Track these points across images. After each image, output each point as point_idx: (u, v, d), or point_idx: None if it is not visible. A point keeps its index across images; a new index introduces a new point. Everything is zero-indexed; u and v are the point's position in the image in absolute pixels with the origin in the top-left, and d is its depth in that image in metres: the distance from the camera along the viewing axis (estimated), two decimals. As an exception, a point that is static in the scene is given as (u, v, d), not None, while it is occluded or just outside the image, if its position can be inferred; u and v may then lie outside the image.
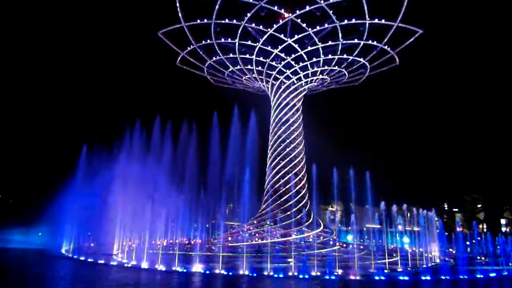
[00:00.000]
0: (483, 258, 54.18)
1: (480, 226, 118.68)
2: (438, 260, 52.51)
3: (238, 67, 58.05)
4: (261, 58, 55.01)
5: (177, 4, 48.88)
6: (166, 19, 53.01)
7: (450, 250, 67.35)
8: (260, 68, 56.76)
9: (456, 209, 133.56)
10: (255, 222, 54.54)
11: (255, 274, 32.01)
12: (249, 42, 53.09)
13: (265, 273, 33.09)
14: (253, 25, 50.33)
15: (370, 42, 53.01)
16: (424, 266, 43.63)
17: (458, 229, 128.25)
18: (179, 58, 60.23)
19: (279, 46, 52.78)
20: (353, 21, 49.40)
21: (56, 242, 49.23)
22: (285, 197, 53.74)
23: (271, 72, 56.86)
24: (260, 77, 58.62)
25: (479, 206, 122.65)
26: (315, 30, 50.38)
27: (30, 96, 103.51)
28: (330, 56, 54.89)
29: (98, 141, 50.35)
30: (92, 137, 51.03)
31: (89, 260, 38.92)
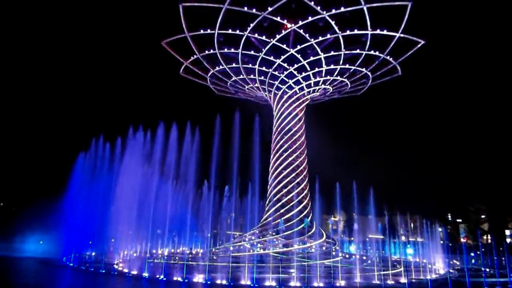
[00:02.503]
0: (487, 270, 53.51)
1: (485, 237, 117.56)
2: (442, 272, 51.93)
3: (241, 76, 58.36)
4: (263, 68, 55.30)
5: (181, 14, 49.35)
6: (170, 28, 53.57)
7: (455, 261, 66.62)
8: (262, 77, 57.02)
9: (460, 220, 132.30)
10: (257, 232, 54.22)
11: (257, 285, 31.71)
12: (252, 52, 53.41)
13: (267, 283, 32.80)
14: (256, 35, 50.68)
15: (372, 52, 53.20)
16: (428, 277, 43.10)
17: (462, 239, 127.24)
18: (182, 67, 60.61)
19: (282, 56, 53.05)
20: (355, 31, 49.66)
21: (57, 251, 49.03)
22: (288, 206, 53.48)
23: (273, 82, 57.09)
24: (263, 86, 58.87)
25: (483, 216, 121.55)
26: (317, 40, 50.67)
27: (32, 104, 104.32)
28: (332, 66, 55.10)
29: (99, 150, 50.42)
30: (93, 145, 51.07)
31: (90, 269, 38.70)
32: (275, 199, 54.60)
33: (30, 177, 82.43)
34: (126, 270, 37.41)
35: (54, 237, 52.62)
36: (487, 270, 53.77)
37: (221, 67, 57.39)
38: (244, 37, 50.65)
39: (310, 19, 48.07)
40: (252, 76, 57.70)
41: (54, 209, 50.73)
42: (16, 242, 56.54)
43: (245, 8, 47.17)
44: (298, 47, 51.70)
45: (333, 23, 48.12)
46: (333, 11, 46.95)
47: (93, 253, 46.09)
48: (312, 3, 46.36)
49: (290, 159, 56.03)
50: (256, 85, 59.21)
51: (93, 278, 34.69)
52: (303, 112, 59.80)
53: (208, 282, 32.33)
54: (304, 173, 56.66)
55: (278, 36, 50.41)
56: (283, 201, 54.17)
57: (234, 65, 56.21)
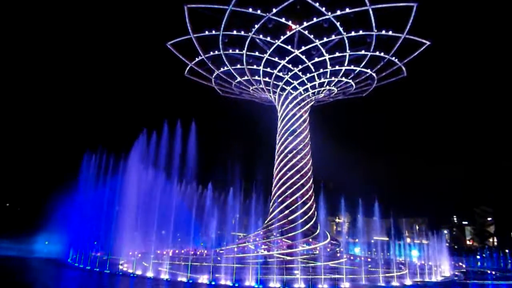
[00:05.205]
0: (493, 272, 53.04)
1: (491, 240, 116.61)
2: (447, 274, 51.55)
3: (246, 77, 58.42)
4: (268, 69, 55.33)
5: (186, 16, 49.55)
6: (174, 30, 53.80)
7: (460, 264, 66.10)
8: (267, 79, 57.04)
9: (466, 222, 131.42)
10: (262, 233, 54.18)
11: (261, 286, 31.70)
12: (257, 53, 53.45)
13: (271, 284, 32.78)
14: (261, 36, 50.74)
15: (377, 53, 53.05)
16: (433, 280, 42.85)
17: (468, 242, 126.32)
18: (187, 69, 60.80)
19: (286, 57, 53.05)
20: (360, 32, 49.55)
21: (63, 251, 49.32)
22: (292, 208, 53.39)
23: (278, 83, 57.08)
24: (267, 88, 58.88)
25: (489, 219, 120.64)
26: (322, 41, 50.63)
27: (39, 105, 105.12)
28: (337, 67, 55.00)
29: (105, 150, 50.73)
30: (100, 146, 51.40)
31: (95, 269, 38.88)
32: (279, 200, 54.53)
33: (36, 177, 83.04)
34: (131, 270, 37.53)
35: (60, 238, 52.93)
36: (493, 272, 53.31)
37: (225, 68, 57.50)
38: (249, 38, 50.72)
39: (315, 20, 48.05)
40: (256, 77, 57.74)
41: (60, 209, 51.05)
42: (22, 243, 56.93)
43: (250, 10, 47.26)
44: (303, 48, 51.68)
45: (338, 24, 48.08)
46: (338, 12, 46.93)
47: (99, 254, 46.28)
48: (317, 4, 46.38)
49: (295, 160, 55.94)
50: (261, 86, 59.24)
51: (98, 278, 34.86)
52: (307, 113, 59.71)
53: (213, 283, 32.34)
54: (309, 174, 56.54)
55: (283, 37, 50.43)
56: (287, 202, 54.10)
57: (238, 66, 56.29)
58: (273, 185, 57.06)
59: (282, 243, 52.17)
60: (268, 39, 50.79)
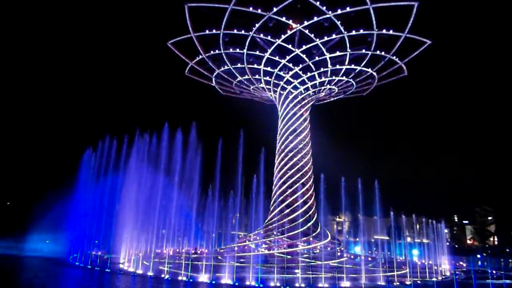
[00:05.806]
0: (494, 272, 53.04)
1: (491, 239, 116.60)
2: (448, 273, 51.60)
3: (246, 77, 58.35)
4: (269, 68, 55.26)
5: (186, 15, 49.49)
6: (175, 29, 53.76)
7: (461, 263, 66.09)
8: (268, 78, 56.98)
9: (467, 221, 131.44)
10: (262, 232, 54.17)
11: (261, 285, 31.71)
12: (257, 52, 53.37)
13: (272, 283, 32.80)
14: (261, 35, 50.66)
15: (378, 52, 52.94)
16: (434, 279, 42.84)
17: (468, 241, 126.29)
18: (188, 68, 60.75)
19: (287, 56, 52.98)
20: (361, 31, 49.45)
21: (63, 250, 49.38)
22: (292, 207, 53.36)
23: (278, 82, 57.02)
24: (268, 87, 58.82)
25: (490, 218, 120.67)
26: (322, 40, 50.54)
27: (40, 104, 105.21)
28: (337, 66, 54.89)
29: (106, 149, 50.66)
30: (100, 144, 51.35)
31: (96, 268, 38.93)
32: (280, 199, 54.50)
33: (37, 176, 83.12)
34: (131, 269, 37.57)
35: (60, 236, 52.99)
36: (494, 272, 53.31)
37: (226, 67, 57.43)
38: (250, 38, 50.64)
39: (315, 19, 47.95)
40: (257, 76, 57.67)
41: (61, 208, 51.08)
42: (23, 241, 57.02)
43: (251, 9, 47.19)
44: (304, 47, 51.59)
45: (338, 23, 47.97)
46: (339, 11, 46.82)
47: (99, 252, 46.36)
48: (318, 3, 46.29)
49: (295, 159, 55.87)
50: (261, 85, 59.18)
51: (99, 277, 34.90)
52: (308, 112, 59.65)
53: (213, 282, 32.37)
54: (309, 173, 56.49)
55: (283, 36, 50.36)
56: (288, 201, 54.04)
57: (239, 65, 56.22)
58: (274, 184, 57.01)
59: (283, 242, 52.15)
60: (269, 38, 50.70)
